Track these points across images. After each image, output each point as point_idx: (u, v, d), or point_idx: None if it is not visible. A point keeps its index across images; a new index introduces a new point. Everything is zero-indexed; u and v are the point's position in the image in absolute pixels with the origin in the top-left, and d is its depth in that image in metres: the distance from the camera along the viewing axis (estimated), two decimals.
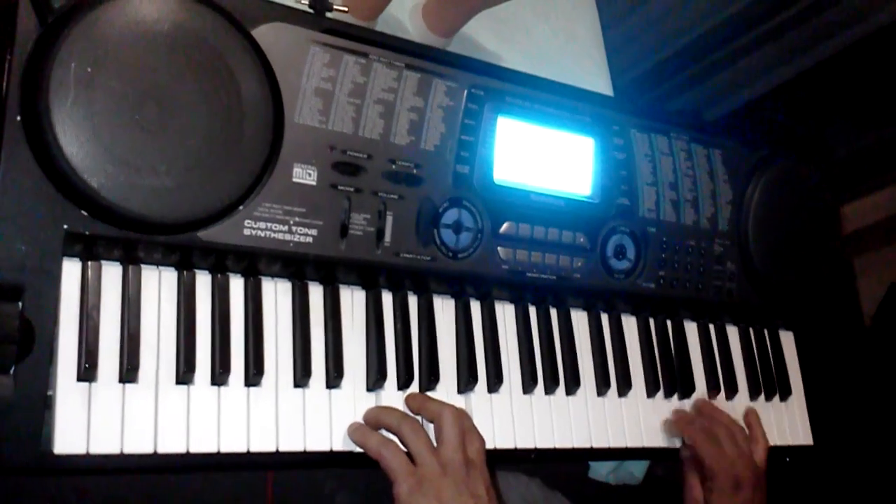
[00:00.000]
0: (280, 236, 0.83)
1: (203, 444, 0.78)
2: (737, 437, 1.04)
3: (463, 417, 0.87)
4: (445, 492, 0.79)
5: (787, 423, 1.19)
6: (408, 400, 0.89)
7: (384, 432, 0.85)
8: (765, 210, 1.16)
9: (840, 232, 1.29)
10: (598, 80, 1.40)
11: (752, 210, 1.15)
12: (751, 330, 1.20)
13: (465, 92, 0.95)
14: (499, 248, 0.96)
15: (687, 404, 1.10)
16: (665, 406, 1.07)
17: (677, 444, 1.06)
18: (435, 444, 0.84)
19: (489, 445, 0.92)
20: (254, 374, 0.81)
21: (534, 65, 1.22)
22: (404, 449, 0.83)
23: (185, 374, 0.78)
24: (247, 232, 0.81)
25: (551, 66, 1.31)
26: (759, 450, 1.06)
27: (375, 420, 0.86)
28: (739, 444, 1.03)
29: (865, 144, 2.33)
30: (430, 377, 0.91)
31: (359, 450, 0.84)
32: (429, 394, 0.91)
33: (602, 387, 1.03)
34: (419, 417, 0.88)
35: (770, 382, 1.19)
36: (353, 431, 0.85)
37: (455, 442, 0.83)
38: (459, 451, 0.83)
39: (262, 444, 0.81)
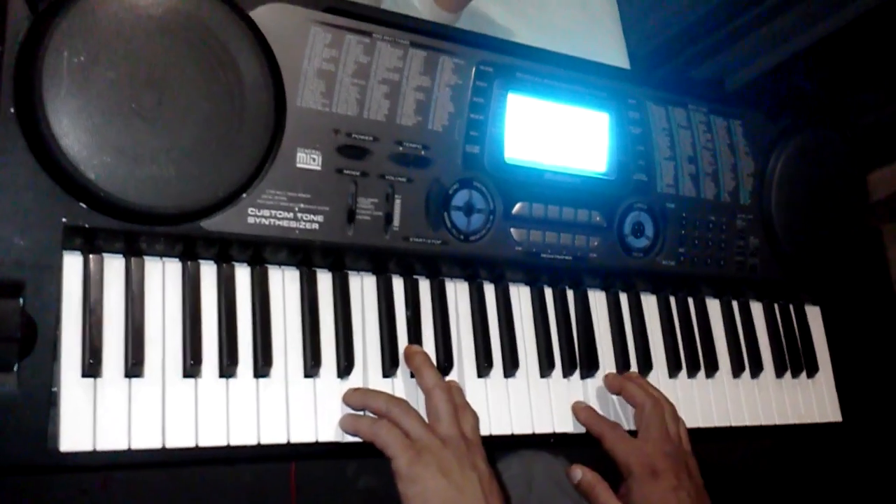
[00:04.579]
0: (285, 223, 0.81)
1: (212, 437, 0.76)
2: (661, 418, 0.93)
3: (454, 393, 0.85)
4: (447, 462, 0.78)
5: (815, 400, 1.16)
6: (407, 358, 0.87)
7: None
8: (788, 181, 1.12)
9: (867, 201, 1.25)
10: (613, 53, 1.36)
11: (775, 182, 1.11)
12: (776, 306, 1.17)
13: (474, 69, 0.92)
14: (512, 230, 0.94)
15: (711, 384, 1.07)
16: (688, 386, 1.05)
17: (702, 423, 1.04)
18: (427, 421, 0.82)
19: (506, 431, 0.90)
20: (262, 365, 0.80)
21: (546, 39, 1.18)
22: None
23: (192, 367, 0.77)
24: (251, 220, 0.80)
25: (564, 39, 1.27)
26: (680, 430, 0.96)
27: (362, 404, 0.83)
28: (660, 427, 0.92)
29: (894, 110, 2.27)
30: (445, 363, 0.89)
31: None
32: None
33: (621, 369, 1.00)
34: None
35: (796, 359, 1.15)
36: (342, 421, 0.82)
37: (449, 418, 0.82)
38: (454, 426, 0.81)
39: (273, 436, 0.79)
